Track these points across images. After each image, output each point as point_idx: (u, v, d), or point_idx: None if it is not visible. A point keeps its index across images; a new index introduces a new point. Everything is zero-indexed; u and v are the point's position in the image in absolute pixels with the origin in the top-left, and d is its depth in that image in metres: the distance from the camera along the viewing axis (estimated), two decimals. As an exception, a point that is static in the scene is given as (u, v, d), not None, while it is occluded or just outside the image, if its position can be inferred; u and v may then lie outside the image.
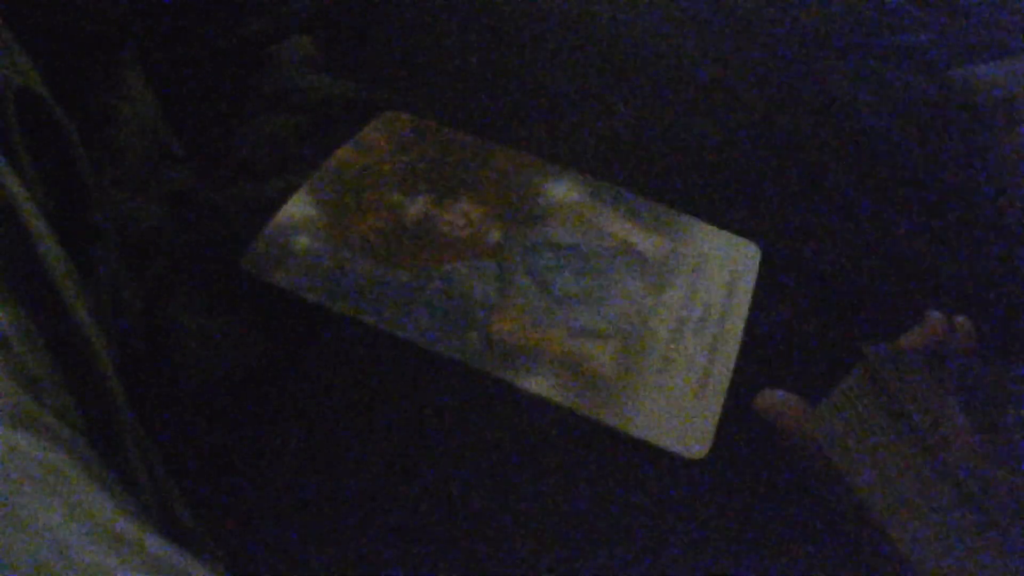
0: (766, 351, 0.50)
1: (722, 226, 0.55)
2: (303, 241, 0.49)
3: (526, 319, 0.47)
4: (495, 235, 0.51)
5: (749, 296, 0.51)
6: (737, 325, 0.50)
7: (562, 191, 0.54)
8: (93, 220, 0.37)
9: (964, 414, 0.41)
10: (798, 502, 0.43)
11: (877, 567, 0.40)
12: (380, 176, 0.53)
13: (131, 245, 0.43)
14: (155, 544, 0.20)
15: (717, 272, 0.52)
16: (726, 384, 0.47)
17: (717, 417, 0.45)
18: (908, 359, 0.44)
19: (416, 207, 0.52)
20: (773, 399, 0.44)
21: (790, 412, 0.43)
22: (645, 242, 0.53)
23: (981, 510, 0.37)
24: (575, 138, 0.59)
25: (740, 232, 0.55)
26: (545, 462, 0.43)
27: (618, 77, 0.64)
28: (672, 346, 0.48)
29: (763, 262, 0.53)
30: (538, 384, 0.45)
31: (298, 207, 0.50)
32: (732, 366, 0.48)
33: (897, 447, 0.39)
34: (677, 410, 0.45)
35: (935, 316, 0.47)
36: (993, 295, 0.56)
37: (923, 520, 0.38)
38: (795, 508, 0.43)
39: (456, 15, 0.66)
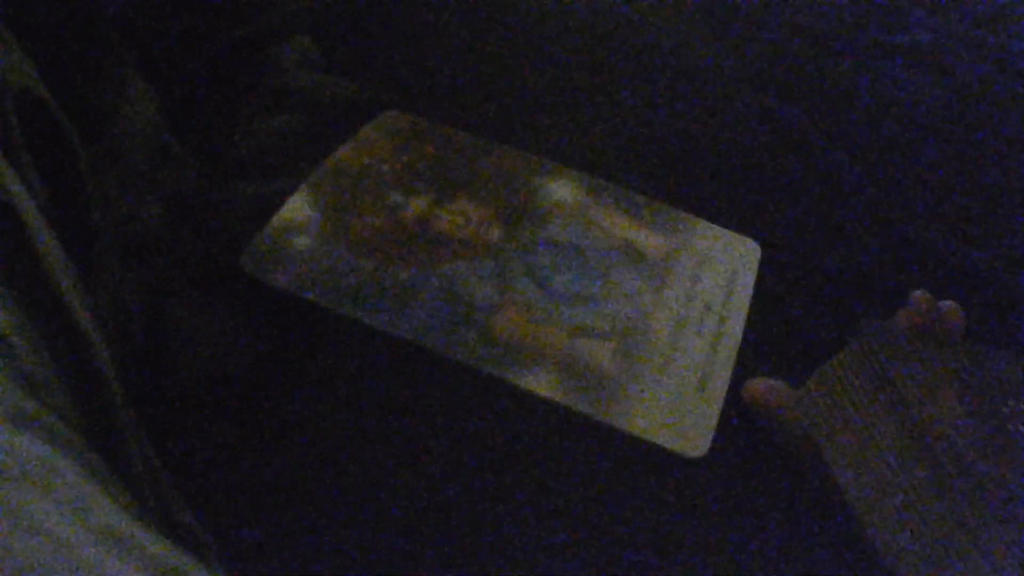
0: (766, 349, 0.50)
1: (722, 224, 0.55)
2: (302, 241, 0.49)
3: (526, 318, 0.47)
4: (495, 235, 0.51)
5: (749, 294, 0.51)
6: (737, 323, 0.50)
7: (562, 191, 0.54)
8: (93, 220, 0.37)
9: (960, 400, 0.40)
10: (798, 501, 0.44)
11: (875, 566, 0.39)
12: (380, 176, 0.53)
13: (131, 245, 0.43)
14: (155, 544, 0.20)
15: (717, 270, 0.52)
16: (726, 383, 0.47)
17: (717, 416, 0.45)
18: (903, 336, 0.43)
19: (416, 207, 0.52)
20: (759, 386, 0.44)
21: (776, 397, 0.44)
22: (645, 241, 0.53)
23: (953, 496, 0.36)
24: (575, 138, 0.59)
25: (740, 230, 0.55)
26: (545, 461, 0.43)
27: (618, 76, 0.64)
28: (672, 345, 0.48)
29: (763, 260, 0.53)
30: (538, 383, 0.45)
31: (298, 207, 0.50)
32: (732, 364, 0.48)
33: (880, 422, 0.39)
34: (677, 409, 0.45)
35: (918, 294, 0.47)
36: (999, 289, 0.56)
37: (894, 502, 0.37)
38: (794, 507, 0.43)
39: (456, 15, 0.66)
